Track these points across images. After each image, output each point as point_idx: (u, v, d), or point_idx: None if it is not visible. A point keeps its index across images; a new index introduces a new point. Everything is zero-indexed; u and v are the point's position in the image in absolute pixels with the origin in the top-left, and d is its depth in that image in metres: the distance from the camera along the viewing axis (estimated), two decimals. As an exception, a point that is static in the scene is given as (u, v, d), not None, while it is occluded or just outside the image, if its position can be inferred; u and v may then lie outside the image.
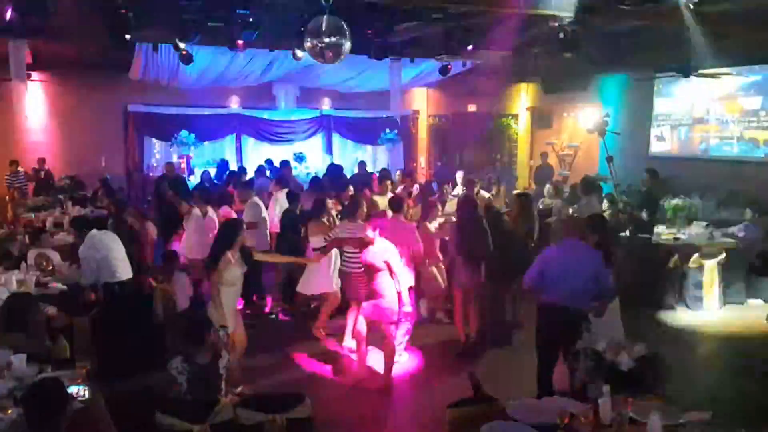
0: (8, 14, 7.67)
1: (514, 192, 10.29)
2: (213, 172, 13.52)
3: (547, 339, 5.20)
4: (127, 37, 8.20)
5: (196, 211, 7.98)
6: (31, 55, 10.94)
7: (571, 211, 9.32)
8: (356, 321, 6.38)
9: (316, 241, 7.11)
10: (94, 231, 6.57)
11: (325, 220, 7.39)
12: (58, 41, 10.12)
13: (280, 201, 8.79)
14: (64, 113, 13.28)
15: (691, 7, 6.60)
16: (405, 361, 6.53)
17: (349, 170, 13.32)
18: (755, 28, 8.29)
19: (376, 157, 16.24)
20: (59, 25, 8.73)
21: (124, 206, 8.83)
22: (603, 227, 5.47)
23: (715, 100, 11.33)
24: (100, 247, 6.47)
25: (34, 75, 12.55)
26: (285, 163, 11.96)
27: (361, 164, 13.10)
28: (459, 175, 10.49)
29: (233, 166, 13.63)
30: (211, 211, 8.02)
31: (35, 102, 13.22)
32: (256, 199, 8.58)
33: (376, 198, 8.88)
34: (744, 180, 10.19)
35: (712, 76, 9.80)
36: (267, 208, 8.80)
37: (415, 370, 6.45)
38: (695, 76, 9.79)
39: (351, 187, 9.29)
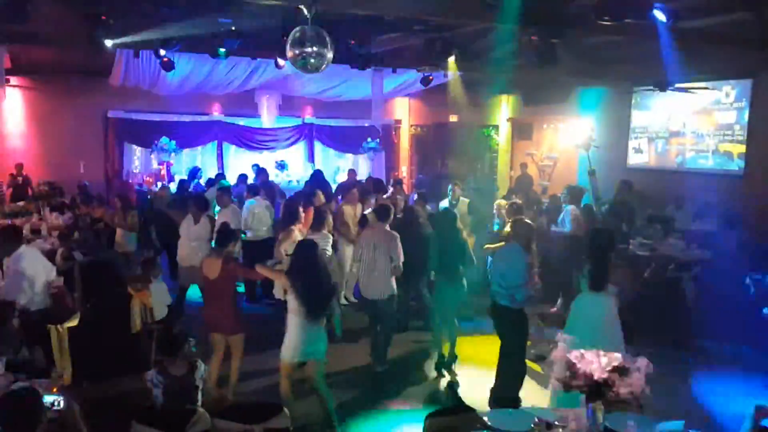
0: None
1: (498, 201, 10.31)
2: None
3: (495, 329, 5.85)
4: (108, 42, 8.16)
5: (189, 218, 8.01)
6: (9, 60, 10.83)
7: (545, 218, 9.56)
8: None
9: (288, 248, 7.10)
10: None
11: (295, 228, 7.43)
12: (37, 46, 10.03)
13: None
14: (43, 118, 13.14)
15: (668, 22, 6.73)
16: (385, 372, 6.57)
17: (330, 178, 13.34)
18: (730, 43, 8.47)
19: (358, 166, 16.26)
20: (39, 30, 8.66)
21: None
22: (610, 243, 5.52)
23: (691, 113, 11.53)
24: None
25: (13, 80, 12.40)
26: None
27: (351, 172, 13.20)
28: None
29: (212, 174, 13.57)
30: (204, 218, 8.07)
31: (13, 107, 13.07)
32: (234, 206, 8.61)
33: (347, 207, 8.97)
34: (718, 192, 10.37)
35: (688, 90, 9.98)
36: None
37: (395, 379, 6.48)
38: (672, 90, 9.97)
39: (321, 195, 9.31)
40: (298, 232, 7.29)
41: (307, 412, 5.38)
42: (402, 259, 6.49)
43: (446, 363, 6.71)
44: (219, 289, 5.69)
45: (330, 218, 7.77)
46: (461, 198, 9.59)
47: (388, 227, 6.64)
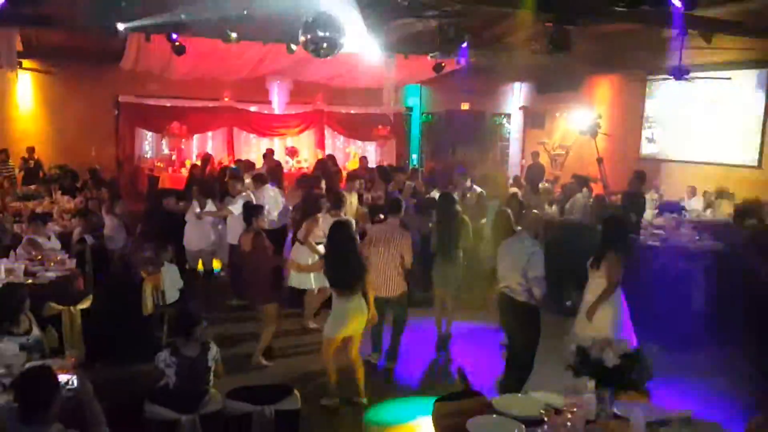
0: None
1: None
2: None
3: (503, 326, 5.76)
4: (120, 26, 8.16)
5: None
6: (21, 43, 10.86)
7: (555, 207, 9.54)
8: None
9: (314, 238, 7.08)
10: None
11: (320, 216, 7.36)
12: (49, 29, 10.05)
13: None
14: (55, 102, 13.17)
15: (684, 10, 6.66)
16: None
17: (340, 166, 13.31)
18: (747, 32, 8.38)
19: (369, 153, 16.21)
20: (51, 13, 8.67)
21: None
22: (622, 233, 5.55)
23: (706, 103, 11.43)
24: None
25: (25, 63, 12.43)
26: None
27: (362, 159, 13.17)
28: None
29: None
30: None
31: (25, 90, 13.12)
32: (248, 192, 8.61)
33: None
34: (732, 183, 10.30)
35: (703, 79, 9.89)
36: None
37: (400, 363, 6.51)
38: (686, 78, 9.88)
39: (323, 182, 9.25)
40: (322, 221, 7.22)
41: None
42: (411, 258, 6.33)
43: (443, 342, 6.86)
44: (253, 260, 6.15)
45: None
46: (474, 187, 9.50)
47: (399, 221, 6.50)
